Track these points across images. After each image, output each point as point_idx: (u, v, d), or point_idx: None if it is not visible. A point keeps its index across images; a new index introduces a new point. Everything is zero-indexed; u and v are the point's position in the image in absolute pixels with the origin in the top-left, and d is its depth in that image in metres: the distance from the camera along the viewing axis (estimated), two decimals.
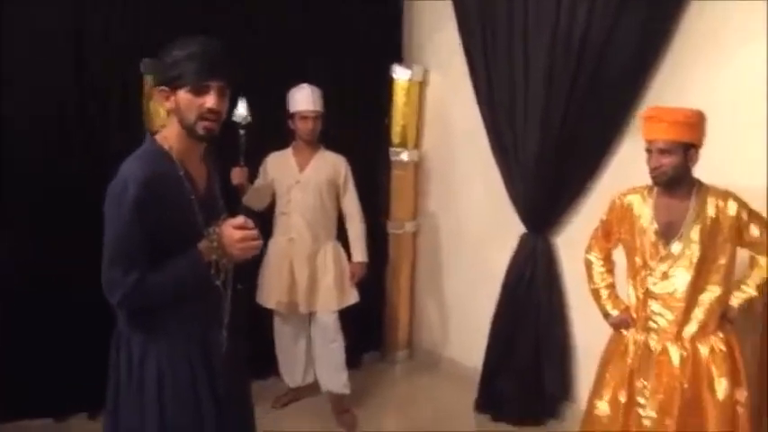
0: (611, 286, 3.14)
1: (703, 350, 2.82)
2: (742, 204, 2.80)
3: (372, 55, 4.81)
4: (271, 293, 4.05)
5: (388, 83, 4.93)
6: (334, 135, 4.21)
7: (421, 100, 5.05)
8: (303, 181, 4.02)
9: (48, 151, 3.80)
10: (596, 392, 3.06)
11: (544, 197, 4.13)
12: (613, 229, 3.07)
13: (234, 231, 2.13)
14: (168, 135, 2.18)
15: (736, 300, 2.87)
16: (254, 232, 2.14)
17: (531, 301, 4.18)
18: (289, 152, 4.09)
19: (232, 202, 3.93)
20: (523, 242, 4.24)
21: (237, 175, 3.84)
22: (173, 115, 2.16)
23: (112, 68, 3.88)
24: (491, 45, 4.29)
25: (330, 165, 4.09)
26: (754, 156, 3.27)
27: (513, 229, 4.32)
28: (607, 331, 3.21)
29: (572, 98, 3.87)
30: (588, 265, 3.21)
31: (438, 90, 5.03)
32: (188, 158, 2.20)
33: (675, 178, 2.77)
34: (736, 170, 3.27)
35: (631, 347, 2.96)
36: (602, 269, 3.16)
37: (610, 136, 3.88)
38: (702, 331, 2.83)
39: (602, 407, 3.01)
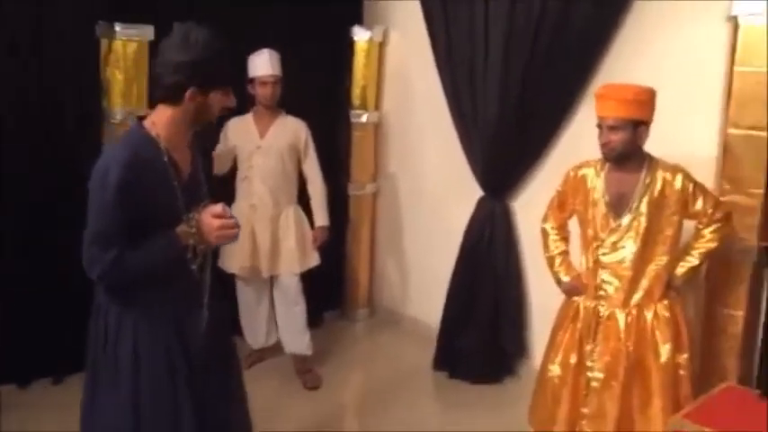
0: (565, 254, 3.26)
1: (648, 316, 2.97)
2: (689, 178, 2.92)
3: (332, 16, 4.78)
4: (233, 259, 4.09)
5: (348, 44, 4.93)
6: (295, 98, 4.22)
7: (381, 61, 5.06)
8: (264, 146, 4.03)
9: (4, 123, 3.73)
10: (548, 355, 3.21)
11: (502, 162, 4.22)
12: (568, 200, 3.18)
13: (212, 219, 2.18)
14: (157, 121, 2.21)
15: (681, 269, 3.01)
16: (232, 221, 2.20)
17: (488, 262, 4.30)
18: (249, 117, 4.09)
19: None
20: (481, 205, 4.34)
21: None
22: (165, 105, 2.19)
23: (68, 33, 3.81)
24: (451, 8, 4.31)
25: (290, 129, 4.11)
26: (702, 130, 3.39)
27: (472, 191, 4.42)
28: (560, 293, 3.35)
29: (531, 64, 3.94)
30: (544, 234, 3.32)
31: (398, 51, 5.04)
32: (175, 145, 2.23)
33: (625, 154, 2.87)
34: (686, 143, 3.40)
35: (581, 313, 3.10)
36: (557, 237, 3.28)
37: (566, 103, 3.97)
38: (648, 298, 2.98)
39: (554, 369, 3.16)
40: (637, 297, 2.98)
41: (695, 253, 3.01)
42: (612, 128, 2.84)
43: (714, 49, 3.34)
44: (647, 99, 2.85)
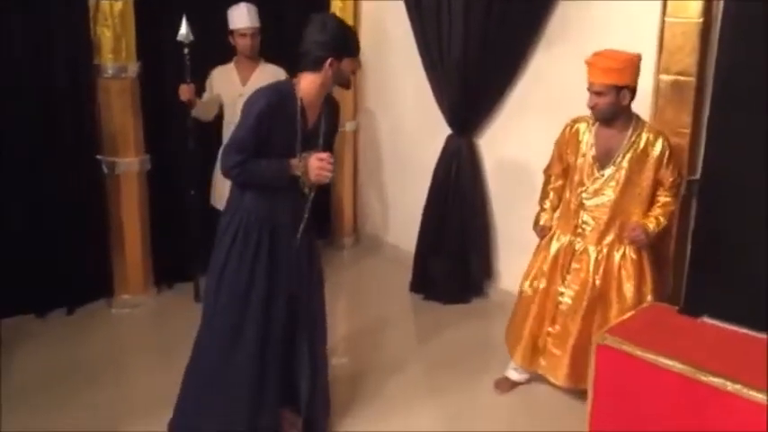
0: (554, 208, 3.64)
1: (617, 256, 3.39)
2: (668, 144, 3.28)
3: None
4: (223, 196, 4.39)
5: None
6: (273, 45, 4.51)
7: (356, 6, 5.32)
8: (246, 93, 4.22)
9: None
10: (525, 276, 3.65)
11: (467, 101, 4.56)
12: (563, 150, 3.53)
13: (315, 161, 2.86)
14: (301, 83, 2.91)
15: (651, 225, 3.35)
16: (329, 166, 2.88)
17: (456, 194, 4.68)
18: (231, 66, 4.40)
19: (183, 116, 4.34)
20: (449, 142, 4.69)
21: (185, 91, 4.20)
22: (308, 72, 2.88)
23: None
24: None
25: (271, 76, 4.37)
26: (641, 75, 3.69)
27: (444, 128, 4.76)
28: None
29: (490, 10, 4.24)
30: (546, 179, 3.69)
31: None
32: (309, 102, 2.92)
33: (610, 114, 3.24)
34: None
35: (555, 245, 3.52)
36: (557, 184, 3.62)
37: (524, 45, 4.28)
38: (618, 241, 3.39)
39: (527, 288, 3.62)
40: (609, 238, 3.39)
41: (662, 214, 3.36)
42: (598, 92, 3.19)
43: (653, 3, 3.60)
44: (629, 66, 3.18)
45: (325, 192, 5.54)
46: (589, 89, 3.25)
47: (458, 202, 4.68)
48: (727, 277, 3.38)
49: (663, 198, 3.38)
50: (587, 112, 3.33)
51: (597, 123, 3.34)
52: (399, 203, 5.48)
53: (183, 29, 4.16)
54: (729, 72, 3.30)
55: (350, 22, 5.23)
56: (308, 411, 3.20)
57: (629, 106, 3.25)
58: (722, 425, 2.75)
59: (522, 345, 3.64)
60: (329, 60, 2.84)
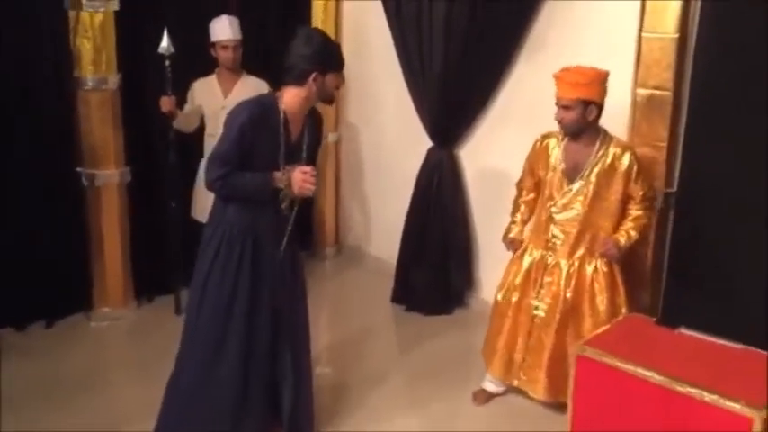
0: (524, 222, 3.70)
1: (588, 269, 3.43)
2: (635, 158, 3.33)
3: None
4: (204, 209, 4.38)
5: (307, 1, 5.19)
6: (255, 58, 4.53)
7: (338, 17, 5.35)
8: (228, 106, 4.23)
9: None
10: (499, 288, 3.69)
11: (447, 114, 4.60)
12: (534, 164, 3.57)
13: (299, 174, 2.88)
14: (284, 96, 2.94)
15: (622, 239, 3.39)
16: (312, 179, 2.89)
17: (438, 206, 4.72)
18: (213, 79, 4.40)
19: (165, 128, 4.34)
20: (430, 154, 4.73)
21: (166, 103, 4.20)
22: (292, 86, 2.90)
23: (38, 6, 4.07)
24: None
25: (252, 89, 4.39)
26: (618, 89, 3.73)
27: (425, 140, 4.79)
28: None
29: (472, 21, 4.28)
30: (518, 193, 3.72)
31: (355, 6, 5.31)
32: (292, 115, 2.95)
33: (577, 129, 3.28)
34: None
35: (527, 259, 3.55)
36: (528, 198, 3.66)
37: (505, 58, 4.33)
38: (589, 254, 3.43)
39: (500, 299, 3.65)
40: (579, 252, 3.43)
41: (633, 228, 3.39)
42: (565, 107, 3.24)
43: (630, 18, 3.65)
44: (596, 82, 3.23)
45: (307, 203, 5.55)
46: (557, 103, 3.29)
47: (439, 213, 4.71)
48: (704, 289, 3.45)
49: (634, 212, 3.42)
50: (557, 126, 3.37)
51: (566, 138, 3.38)
52: (381, 215, 5.50)
53: (164, 41, 4.17)
54: (705, 87, 3.39)
55: (331, 33, 5.26)
56: (292, 422, 3.20)
57: (596, 121, 3.30)
58: None
59: (497, 357, 3.66)
60: (314, 75, 2.87)
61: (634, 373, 2.93)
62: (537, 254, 3.53)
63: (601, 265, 3.43)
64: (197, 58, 4.41)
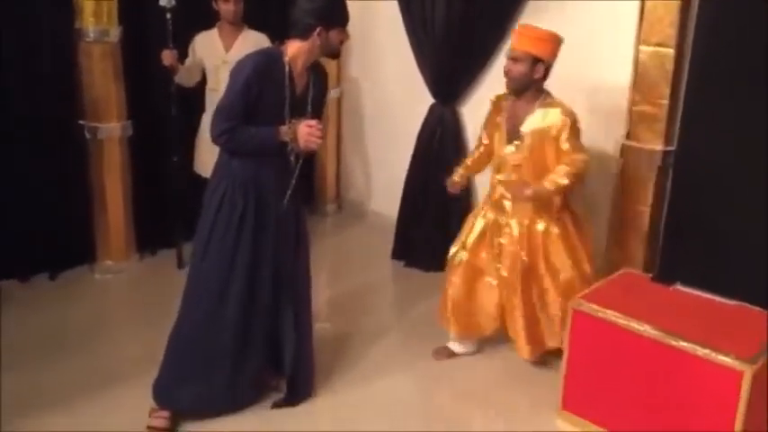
0: (468, 168, 3.72)
1: (539, 228, 3.40)
2: (570, 120, 3.23)
3: None
4: (206, 163, 4.43)
5: None
6: (258, 13, 4.50)
7: None
8: (230, 60, 4.30)
9: None
10: (454, 244, 3.68)
11: (450, 72, 4.58)
12: (487, 123, 3.58)
13: (305, 127, 2.89)
14: (291, 53, 2.94)
15: (547, 183, 3.26)
16: (318, 132, 2.90)
17: (439, 162, 4.69)
18: (215, 32, 4.38)
19: (166, 82, 4.34)
20: (432, 110, 4.72)
21: (167, 56, 4.20)
22: (297, 39, 2.92)
23: None
24: None
25: (254, 44, 4.37)
26: (623, 47, 3.74)
27: (426, 96, 4.78)
28: None
29: None
30: (476, 144, 3.73)
31: None
32: (297, 68, 2.96)
33: (522, 84, 3.25)
34: (607, 60, 3.84)
35: (481, 221, 3.55)
36: (478, 150, 3.67)
37: (505, 16, 4.29)
38: (536, 214, 3.39)
39: (450, 255, 3.66)
40: (526, 211, 3.39)
41: (549, 181, 3.26)
42: (514, 59, 3.22)
43: None
44: (548, 40, 3.20)
45: (308, 159, 5.57)
46: (507, 55, 3.28)
47: (440, 169, 4.68)
48: (701, 247, 3.48)
49: (558, 167, 3.27)
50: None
51: (513, 98, 3.34)
52: (382, 171, 5.51)
53: None
54: (707, 44, 3.37)
55: None
56: (292, 375, 3.27)
57: (540, 81, 3.26)
58: (693, 388, 2.85)
59: (450, 316, 3.66)
60: (318, 29, 2.89)
61: (628, 328, 2.99)
62: (491, 215, 3.52)
63: (552, 226, 3.40)
64: (199, 12, 4.38)
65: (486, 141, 3.60)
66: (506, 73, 3.28)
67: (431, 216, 4.78)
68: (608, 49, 3.82)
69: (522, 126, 3.31)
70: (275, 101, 2.92)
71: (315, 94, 3.08)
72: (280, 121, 2.94)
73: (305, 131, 2.89)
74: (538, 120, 3.27)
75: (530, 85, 3.27)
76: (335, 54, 3.08)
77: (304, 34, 2.91)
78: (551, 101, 3.30)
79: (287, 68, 2.93)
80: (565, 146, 3.25)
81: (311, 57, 2.98)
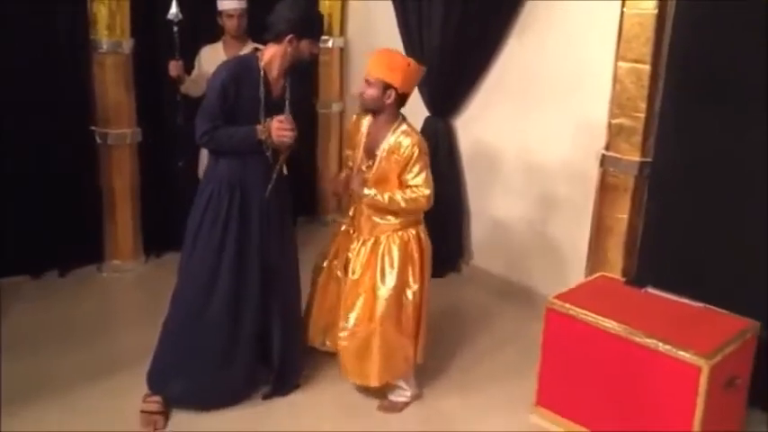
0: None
1: (382, 242, 3.41)
2: (418, 150, 3.28)
3: None
4: None
5: None
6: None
7: None
8: None
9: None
10: (319, 255, 3.75)
11: (445, 86, 4.78)
12: (350, 138, 3.60)
13: (275, 123, 3.12)
14: (266, 57, 3.18)
15: (386, 195, 3.29)
16: (288, 125, 3.13)
17: (434, 174, 4.88)
18: (219, 45, 4.61)
19: (174, 92, 4.56)
20: (427, 123, 4.91)
21: (174, 67, 4.43)
22: (272, 44, 3.15)
23: None
24: None
25: None
26: (602, 62, 3.92)
27: (422, 110, 4.97)
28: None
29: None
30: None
31: None
32: (272, 72, 3.19)
33: (373, 107, 3.30)
34: (587, 74, 4.03)
35: (342, 231, 3.63)
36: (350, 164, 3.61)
37: (497, 35, 4.52)
38: (380, 230, 3.43)
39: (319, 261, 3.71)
40: (375, 230, 3.43)
41: (389, 195, 3.30)
42: (367, 82, 3.27)
43: None
44: (399, 69, 3.24)
45: (310, 169, 5.79)
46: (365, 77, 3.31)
47: (435, 179, 4.87)
48: (675, 252, 3.64)
49: (397, 195, 3.31)
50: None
51: (372, 120, 3.38)
52: None
53: (173, 8, 4.37)
54: (682, 62, 3.56)
55: (337, 11, 5.54)
56: (281, 363, 3.43)
57: (393, 106, 3.29)
58: (655, 383, 3.00)
59: (311, 321, 3.66)
60: (289, 36, 3.11)
61: (596, 325, 3.15)
62: (349, 227, 3.58)
63: (392, 241, 3.41)
64: (205, 26, 4.63)
65: (350, 163, 3.59)
66: (360, 95, 3.34)
67: (426, 226, 4.92)
68: (590, 65, 4.01)
69: (378, 147, 3.34)
70: (251, 103, 3.15)
71: (293, 97, 3.27)
72: (257, 122, 3.16)
73: (276, 126, 3.12)
74: (391, 144, 3.31)
75: (382, 108, 3.30)
76: (306, 64, 3.28)
77: (276, 39, 3.14)
78: (405, 129, 3.33)
79: (261, 73, 3.16)
80: (411, 176, 3.32)
81: (283, 61, 3.18)
